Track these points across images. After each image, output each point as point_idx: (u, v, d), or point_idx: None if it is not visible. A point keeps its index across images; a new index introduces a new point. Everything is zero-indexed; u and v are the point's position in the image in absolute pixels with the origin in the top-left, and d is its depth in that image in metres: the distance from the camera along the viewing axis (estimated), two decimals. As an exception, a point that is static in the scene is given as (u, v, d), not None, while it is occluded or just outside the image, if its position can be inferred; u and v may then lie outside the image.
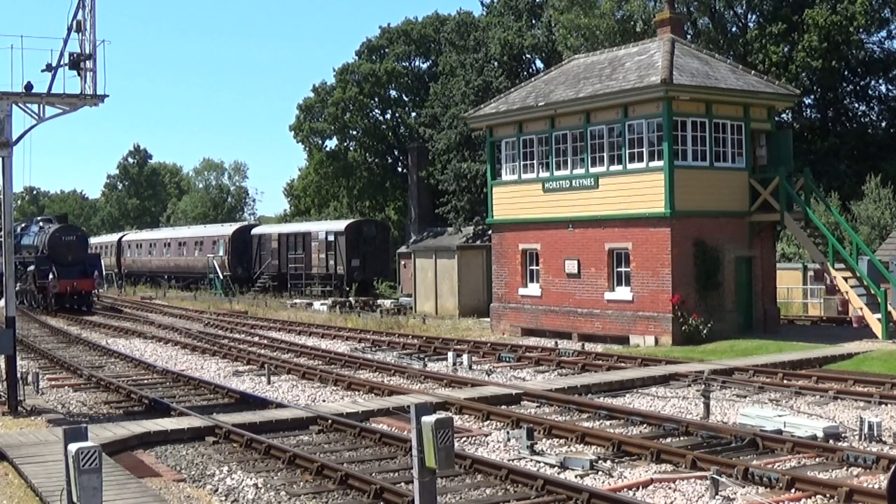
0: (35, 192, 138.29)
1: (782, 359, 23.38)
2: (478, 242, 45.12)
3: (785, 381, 20.62)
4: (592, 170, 29.90)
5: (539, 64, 52.81)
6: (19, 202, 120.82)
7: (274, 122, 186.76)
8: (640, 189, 28.42)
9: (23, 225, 54.56)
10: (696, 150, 28.33)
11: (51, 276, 45.64)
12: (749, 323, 29.29)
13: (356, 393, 20.55)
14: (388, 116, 72.05)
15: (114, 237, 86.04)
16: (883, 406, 17.84)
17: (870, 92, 49.89)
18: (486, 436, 15.70)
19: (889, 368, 21.78)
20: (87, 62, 18.63)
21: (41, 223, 51.96)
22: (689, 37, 41.92)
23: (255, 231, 64.35)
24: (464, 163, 49.69)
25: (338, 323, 38.49)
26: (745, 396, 19.27)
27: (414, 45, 69.24)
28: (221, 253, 63.35)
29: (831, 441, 14.52)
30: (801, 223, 29.43)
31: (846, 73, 48.20)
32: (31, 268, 47.59)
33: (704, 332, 27.23)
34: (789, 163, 29.97)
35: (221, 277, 61.40)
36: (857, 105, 50.49)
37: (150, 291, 65.65)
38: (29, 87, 18.33)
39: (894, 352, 24.17)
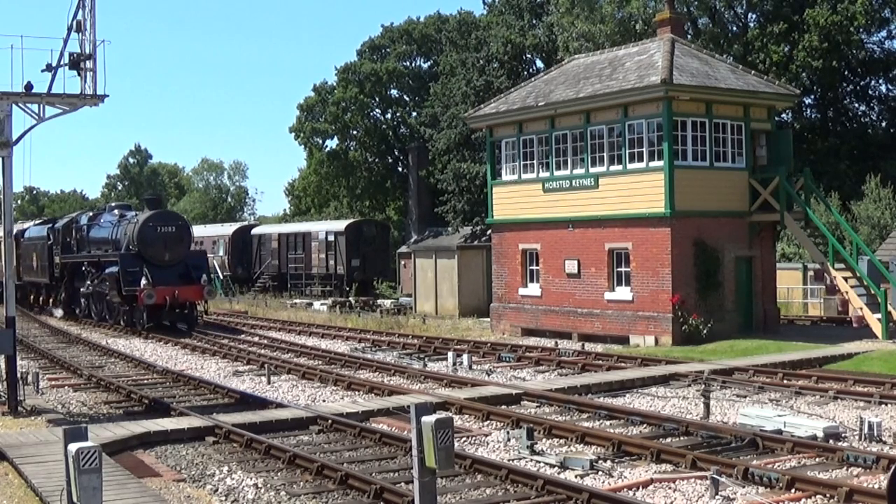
0: (35, 192, 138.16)
1: (782, 359, 23.37)
2: (476, 242, 45.13)
3: (785, 381, 20.61)
4: (592, 170, 29.90)
5: (539, 64, 52.83)
6: (19, 202, 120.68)
7: (274, 122, 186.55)
8: (640, 189, 28.42)
9: (90, 213, 44.04)
10: (696, 150, 28.33)
11: (143, 282, 34.02)
12: (749, 323, 29.29)
13: (356, 393, 20.55)
14: (388, 116, 72.08)
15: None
16: (883, 406, 17.84)
17: (870, 92, 49.92)
18: (486, 436, 15.70)
19: (889, 368, 21.78)
20: (87, 62, 18.63)
21: (116, 210, 41.15)
22: (689, 37, 41.92)
23: (255, 231, 64.35)
24: (463, 163, 49.70)
25: (338, 323, 38.49)
26: (745, 396, 19.26)
27: (416, 45, 69.28)
28: (221, 253, 63.33)
29: (831, 441, 14.51)
30: (801, 223, 29.45)
31: (846, 73, 48.21)
32: (112, 269, 36.08)
33: (704, 332, 27.23)
34: (789, 163, 29.97)
35: (221, 277, 61.39)
36: (857, 105, 50.51)
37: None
38: (29, 87, 18.32)
39: (894, 352, 24.17)
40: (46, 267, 44.37)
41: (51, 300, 45.97)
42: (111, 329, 36.71)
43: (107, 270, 36.80)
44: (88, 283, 39.43)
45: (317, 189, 78.92)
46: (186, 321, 35.54)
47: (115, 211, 40.79)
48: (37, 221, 54.21)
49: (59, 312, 44.14)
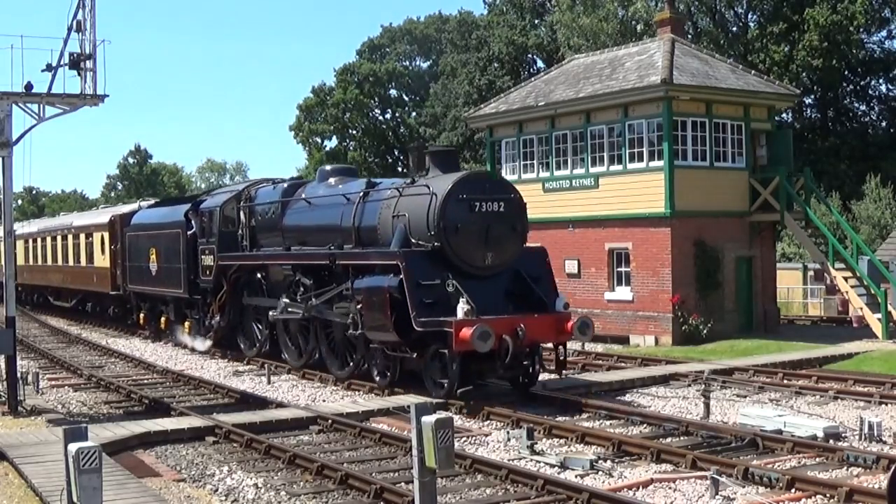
0: (35, 192, 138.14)
1: (782, 359, 23.37)
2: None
3: (785, 381, 20.61)
4: (592, 170, 29.88)
5: (540, 63, 52.86)
6: (19, 202, 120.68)
7: (274, 122, 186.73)
8: (640, 189, 28.41)
9: (280, 184, 25.18)
10: (696, 150, 28.32)
11: (463, 307, 17.65)
12: (749, 323, 29.28)
13: (356, 393, 20.53)
14: (388, 116, 72.12)
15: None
16: (883, 406, 17.83)
17: (870, 92, 50.03)
18: (486, 436, 15.70)
19: (889, 368, 21.77)
20: (87, 62, 18.62)
21: (333, 178, 23.35)
22: (689, 37, 41.93)
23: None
24: (465, 163, 49.75)
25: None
26: (745, 396, 19.26)
27: (416, 45, 69.34)
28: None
29: (831, 441, 14.50)
30: (802, 223, 29.43)
31: (846, 72, 48.27)
32: (376, 282, 19.04)
33: (704, 332, 27.22)
34: (789, 163, 29.97)
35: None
36: (857, 105, 50.61)
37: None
38: (29, 87, 18.32)
39: (894, 352, 24.17)
40: (182, 271, 27.92)
41: (186, 323, 28.71)
42: (110, 329, 36.32)
43: (360, 283, 19.65)
44: (285, 301, 22.93)
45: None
46: (526, 377, 19.07)
47: (331, 180, 23.24)
48: (150, 202, 37.13)
49: (203, 345, 27.68)
